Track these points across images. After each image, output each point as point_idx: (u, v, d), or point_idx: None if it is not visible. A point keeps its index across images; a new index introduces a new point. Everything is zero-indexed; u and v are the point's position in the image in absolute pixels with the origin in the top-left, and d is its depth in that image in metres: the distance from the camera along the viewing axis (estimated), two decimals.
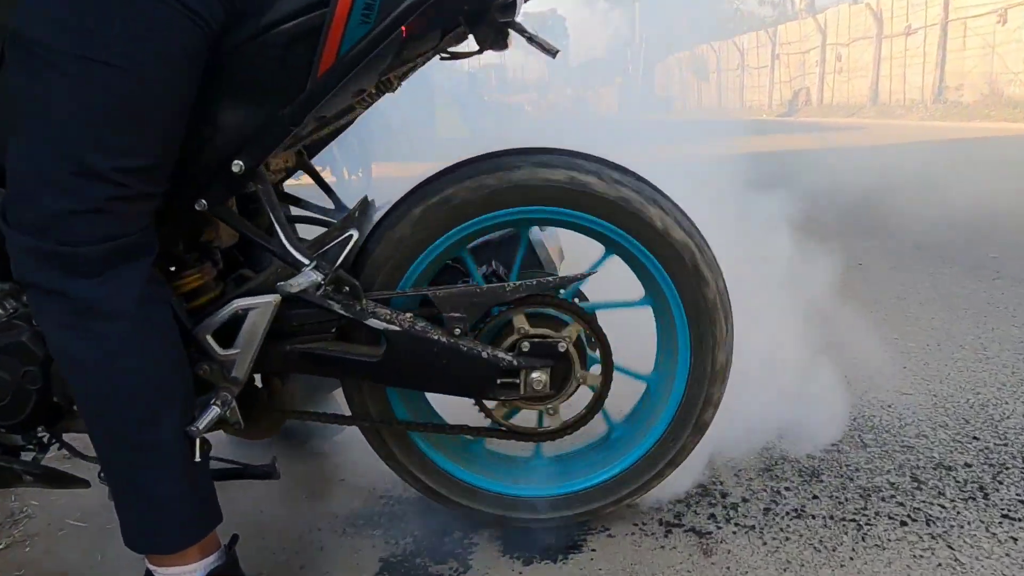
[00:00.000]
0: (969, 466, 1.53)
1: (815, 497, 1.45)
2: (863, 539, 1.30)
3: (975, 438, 1.65)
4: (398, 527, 1.37)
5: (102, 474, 1.09)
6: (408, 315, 1.10)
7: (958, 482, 1.48)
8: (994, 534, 1.29)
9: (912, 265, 3.31)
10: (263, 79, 1.02)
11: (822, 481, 1.51)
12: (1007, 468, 1.51)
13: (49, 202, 0.89)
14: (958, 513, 1.36)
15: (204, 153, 1.04)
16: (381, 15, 0.99)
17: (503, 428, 1.20)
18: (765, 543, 1.30)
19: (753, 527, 1.35)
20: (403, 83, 1.32)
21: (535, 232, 1.31)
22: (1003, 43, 14.36)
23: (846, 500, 1.43)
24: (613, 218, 1.13)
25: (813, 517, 1.38)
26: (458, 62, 1.28)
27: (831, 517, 1.38)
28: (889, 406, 1.86)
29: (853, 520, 1.36)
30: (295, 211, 1.40)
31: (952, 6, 15.80)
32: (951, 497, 1.43)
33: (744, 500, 1.44)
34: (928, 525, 1.34)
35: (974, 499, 1.41)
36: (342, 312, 1.08)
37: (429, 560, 1.27)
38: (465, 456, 1.31)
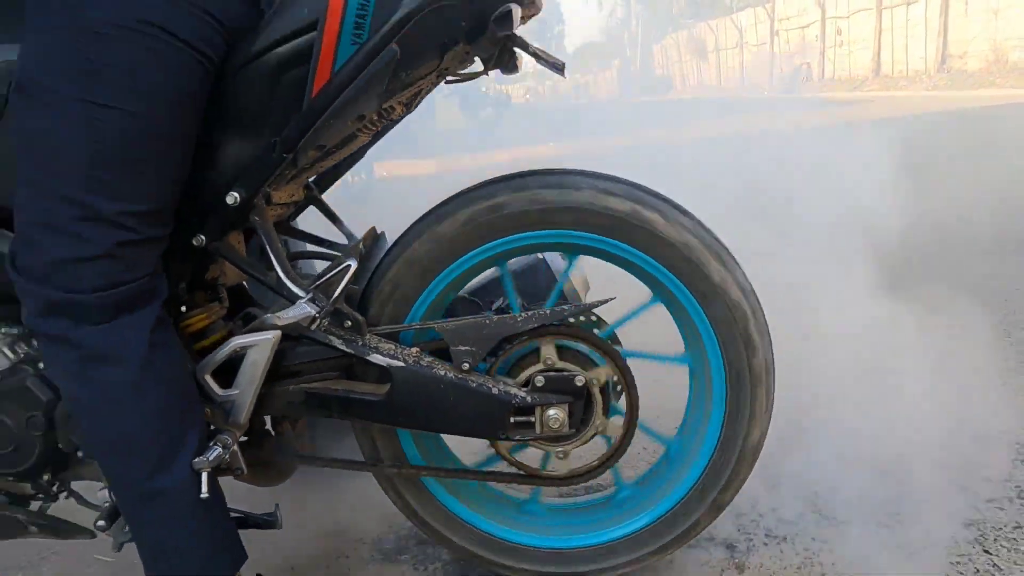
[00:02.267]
0: None
1: None
2: None
3: None
4: (426, 552, 1.30)
5: (99, 523, 1.05)
6: (414, 350, 1.03)
7: None
8: None
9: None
10: (257, 106, 0.97)
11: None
12: None
13: (55, 249, 0.87)
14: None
15: (201, 187, 1.00)
16: (373, 31, 0.93)
17: (524, 473, 1.10)
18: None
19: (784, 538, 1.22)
20: (410, 112, 1.26)
21: (556, 261, 1.22)
22: (1007, 7, 13.63)
23: None
24: (670, 262, 1.03)
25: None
26: None
27: None
28: None
29: None
30: (312, 249, 1.34)
31: None
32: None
33: (773, 509, 1.31)
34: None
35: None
36: (343, 348, 1.01)
37: None
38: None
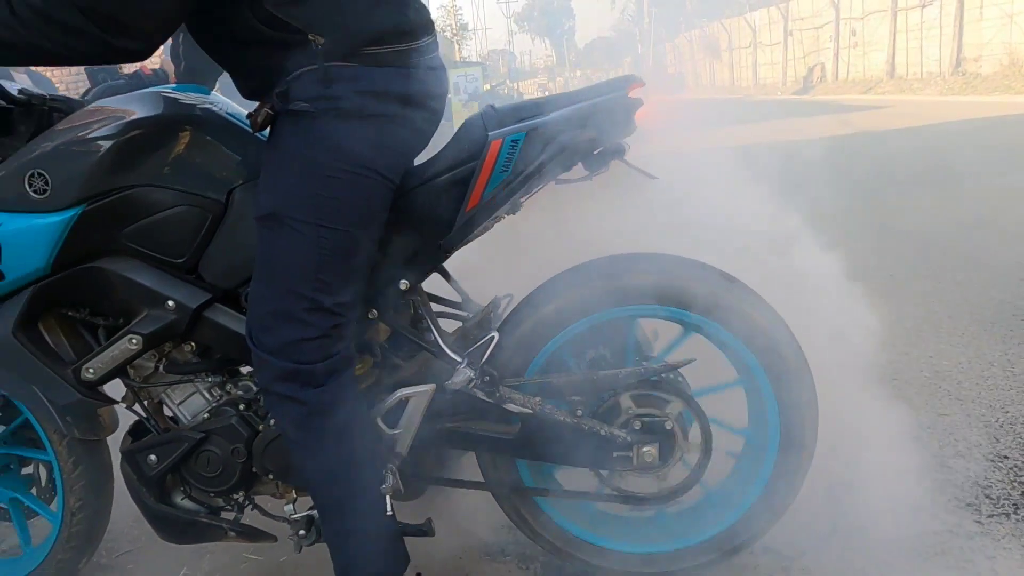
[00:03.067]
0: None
1: None
2: None
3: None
4: (526, 553, 1.62)
5: (300, 532, 1.35)
6: (537, 399, 1.34)
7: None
8: None
9: (939, 273, 3.41)
10: (424, 214, 1.27)
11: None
12: None
13: (288, 332, 1.16)
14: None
15: (375, 275, 1.29)
16: (518, 165, 1.23)
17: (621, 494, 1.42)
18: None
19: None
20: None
21: None
22: (1022, 11, 14.12)
23: None
24: (754, 347, 1.33)
25: None
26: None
27: None
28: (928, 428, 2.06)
29: None
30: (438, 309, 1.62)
31: None
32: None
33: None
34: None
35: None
36: (485, 399, 1.33)
37: None
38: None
